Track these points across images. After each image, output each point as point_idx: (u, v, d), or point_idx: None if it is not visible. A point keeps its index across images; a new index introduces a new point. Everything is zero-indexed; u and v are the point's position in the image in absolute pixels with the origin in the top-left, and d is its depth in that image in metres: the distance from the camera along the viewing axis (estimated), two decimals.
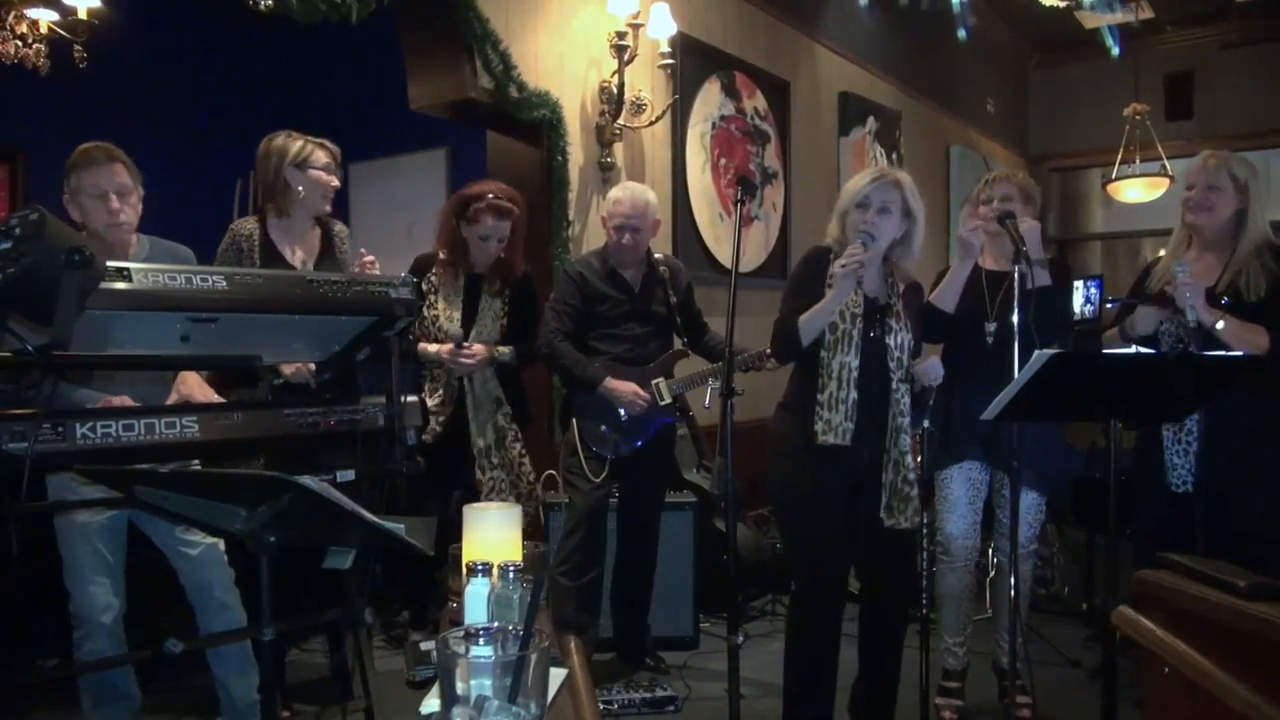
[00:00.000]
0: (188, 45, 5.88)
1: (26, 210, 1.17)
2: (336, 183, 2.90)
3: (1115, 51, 7.10)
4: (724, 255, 4.90)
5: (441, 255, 3.33)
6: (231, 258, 2.76)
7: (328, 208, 2.89)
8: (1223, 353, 2.46)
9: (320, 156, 2.84)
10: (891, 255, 2.57)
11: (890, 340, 2.50)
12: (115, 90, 5.12)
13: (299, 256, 2.83)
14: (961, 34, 6.12)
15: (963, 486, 2.91)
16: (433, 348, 3.20)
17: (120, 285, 1.71)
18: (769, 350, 2.79)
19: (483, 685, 0.86)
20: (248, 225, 2.83)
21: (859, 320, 2.47)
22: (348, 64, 5.70)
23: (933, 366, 2.56)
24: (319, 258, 2.86)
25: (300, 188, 2.79)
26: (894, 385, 2.50)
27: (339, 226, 2.99)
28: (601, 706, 2.87)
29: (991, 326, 2.80)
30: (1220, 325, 2.55)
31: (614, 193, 3.37)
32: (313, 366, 2.66)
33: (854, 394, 2.45)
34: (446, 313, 3.27)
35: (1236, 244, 2.71)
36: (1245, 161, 2.74)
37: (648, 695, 3.13)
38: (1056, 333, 2.68)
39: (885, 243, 2.51)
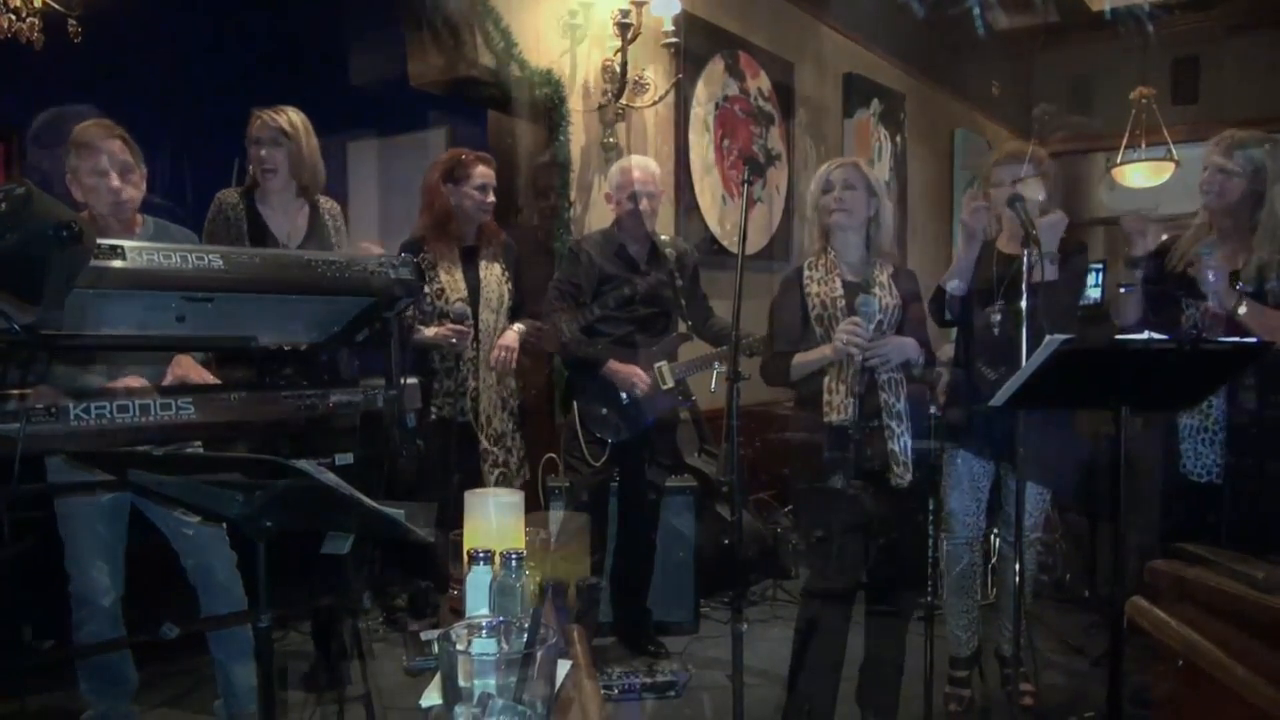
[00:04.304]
0: (184, 21, 5.80)
1: (12, 185, 1.12)
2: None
3: None
4: (726, 237, 4.85)
5: (431, 229, 3.25)
6: (219, 228, 2.74)
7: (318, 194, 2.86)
8: (1233, 339, 2.40)
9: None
10: (869, 235, 2.64)
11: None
12: (111, 66, 5.05)
13: (285, 231, 2.80)
14: (978, 25, 6.07)
15: (967, 463, 2.88)
16: (430, 331, 3.08)
17: (115, 264, 1.67)
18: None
19: (486, 682, 0.83)
20: (231, 196, 2.80)
21: (840, 303, 2.54)
22: (347, 41, 5.62)
23: (894, 349, 2.51)
24: (306, 236, 2.82)
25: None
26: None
27: (328, 203, 2.91)
28: (601, 691, 2.85)
29: (997, 317, 2.73)
30: (1243, 310, 2.45)
31: (621, 164, 3.32)
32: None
33: (854, 367, 2.49)
34: (452, 285, 3.17)
35: (1254, 230, 2.58)
36: (1262, 141, 2.59)
37: (648, 680, 3.11)
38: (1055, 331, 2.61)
39: (860, 217, 2.59)
